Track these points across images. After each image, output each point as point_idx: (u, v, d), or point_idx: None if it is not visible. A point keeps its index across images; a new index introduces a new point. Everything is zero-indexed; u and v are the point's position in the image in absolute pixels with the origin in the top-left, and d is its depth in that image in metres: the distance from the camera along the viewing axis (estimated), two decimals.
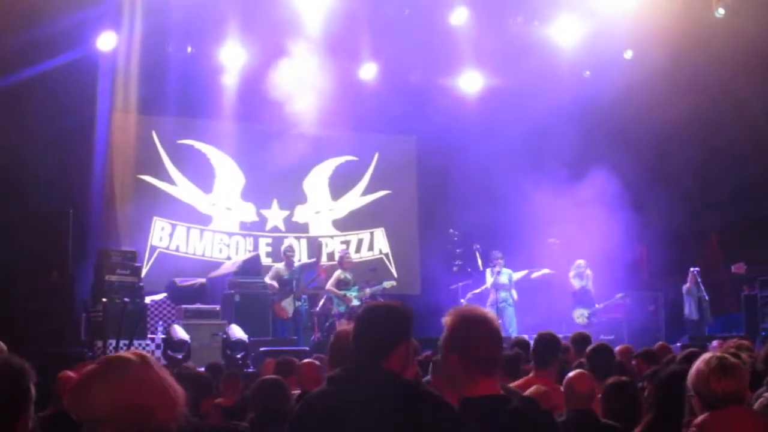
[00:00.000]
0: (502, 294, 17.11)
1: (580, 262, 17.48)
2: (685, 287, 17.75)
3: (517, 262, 17.95)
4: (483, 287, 17.34)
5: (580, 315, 17.22)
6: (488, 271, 17.20)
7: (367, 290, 16.46)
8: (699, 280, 17.56)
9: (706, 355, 4.37)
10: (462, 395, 3.67)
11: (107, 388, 2.85)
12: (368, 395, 3.64)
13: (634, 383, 6.43)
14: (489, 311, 3.88)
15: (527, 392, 3.78)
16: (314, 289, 16.52)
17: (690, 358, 8.22)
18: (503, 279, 17.11)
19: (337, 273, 16.48)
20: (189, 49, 17.43)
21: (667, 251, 18.70)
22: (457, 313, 3.77)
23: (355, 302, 15.93)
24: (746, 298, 17.44)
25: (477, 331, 3.69)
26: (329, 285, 16.32)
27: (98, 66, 16.97)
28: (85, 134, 16.98)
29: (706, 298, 17.48)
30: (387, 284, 16.84)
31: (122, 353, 3.04)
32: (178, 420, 2.93)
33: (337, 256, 17.42)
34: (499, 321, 15.91)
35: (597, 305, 17.34)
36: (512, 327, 16.93)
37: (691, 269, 17.74)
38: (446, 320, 3.76)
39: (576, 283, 17.42)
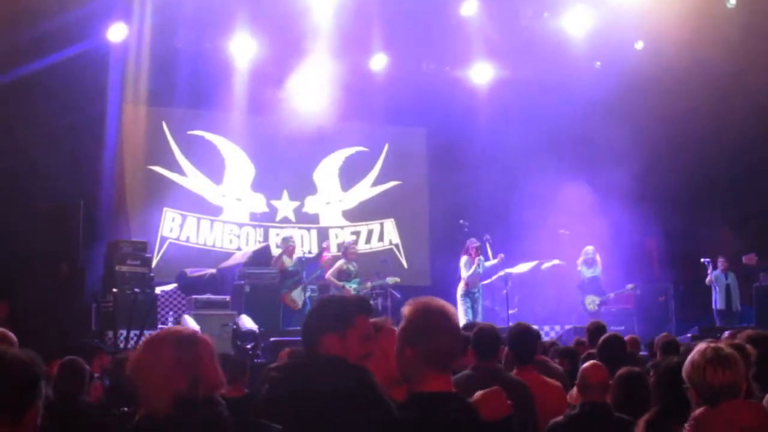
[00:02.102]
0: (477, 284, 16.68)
1: (589, 248, 17.38)
2: (711, 275, 17.62)
3: (527, 253, 17.94)
4: (495, 276, 17.29)
5: (591, 302, 17.14)
6: (463, 260, 16.74)
7: (369, 284, 16.41)
8: (725, 266, 17.55)
9: (701, 346, 4.28)
10: (412, 391, 3.59)
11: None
12: (303, 380, 3.71)
13: (644, 374, 6.37)
14: (448, 304, 3.69)
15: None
16: (317, 280, 16.44)
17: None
18: (480, 268, 16.61)
19: (340, 263, 16.36)
20: (199, 41, 17.46)
21: (678, 242, 18.68)
22: (417, 303, 3.64)
23: None
24: (757, 289, 17.38)
25: (436, 323, 3.57)
26: (329, 274, 16.23)
27: (108, 58, 16.95)
28: (96, 126, 16.96)
29: (733, 285, 17.50)
30: (390, 280, 16.71)
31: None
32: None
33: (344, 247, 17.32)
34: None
35: (608, 294, 17.28)
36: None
37: (703, 260, 17.73)
38: (404, 310, 3.66)
39: (585, 271, 17.33)
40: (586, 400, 5.91)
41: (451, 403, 3.51)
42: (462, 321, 15.41)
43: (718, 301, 17.65)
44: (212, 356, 3.37)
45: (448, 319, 3.59)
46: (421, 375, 3.53)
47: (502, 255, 16.72)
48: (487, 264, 16.59)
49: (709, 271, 17.66)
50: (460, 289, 16.40)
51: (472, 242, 16.54)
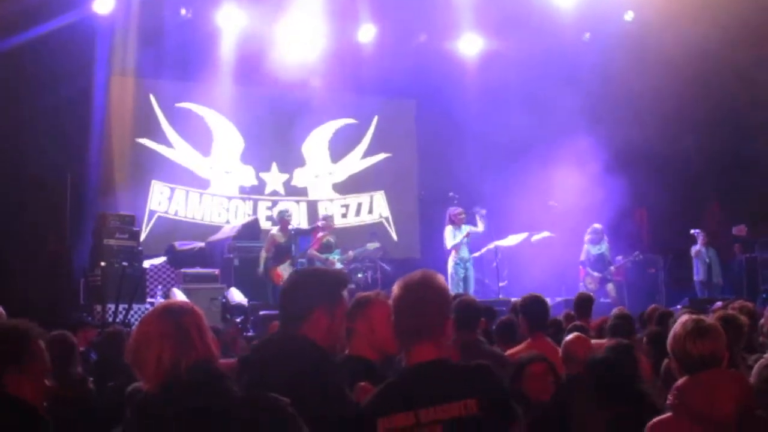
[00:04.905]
0: (465, 252, 16.63)
1: (597, 226, 17.33)
2: (693, 249, 17.78)
3: (517, 225, 18.02)
4: (477, 254, 17.35)
5: (591, 281, 17.14)
6: (447, 229, 16.62)
7: (350, 253, 16.47)
8: (705, 241, 17.66)
9: (682, 318, 4.33)
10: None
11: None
12: (276, 362, 3.72)
13: (633, 346, 6.43)
14: (434, 275, 3.69)
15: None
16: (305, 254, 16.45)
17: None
18: (460, 237, 16.54)
19: (319, 236, 16.43)
20: (185, 12, 17.40)
21: (668, 213, 18.74)
22: (401, 279, 3.69)
23: (339, 266, 15.83)
24: (747, 260, 17.50)
25: (402, 299, 3.61)
26: (311, 249, 16.24)
27: (96, 29, 16.83)
28: (83, 98, 16.82)
29: (713, 259, 17.62)
30: (370, 246, 16.88)
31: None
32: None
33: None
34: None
35: (610, 268, 17.26)
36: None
37: (693, 231, 17.82)
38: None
39: (591, 249, 17.28)
40: (570, 372, 5.93)
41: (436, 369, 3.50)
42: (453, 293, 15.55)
43: (699, 273, 17.78)
44: (200, 326, 3.37)
45: (414, 292, 3.59)
46: (404, 350, 3.62)
47: (483, 211, 16.75)
48: (474, 230, 16.62)
49: (698, 242, 17.78)
50: (451, 260, 16.45)
51: (453, 210, 16.55)
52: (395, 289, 3.64)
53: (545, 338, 7.07)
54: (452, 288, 15.48)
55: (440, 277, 3.70)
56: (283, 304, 4.00)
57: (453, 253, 16.45)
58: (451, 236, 16.49)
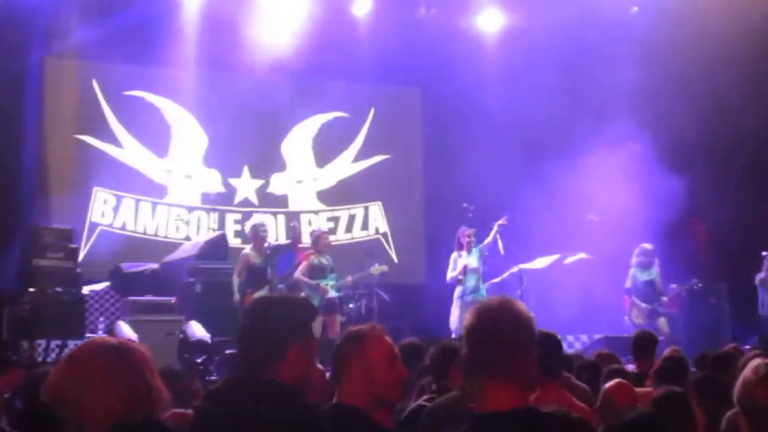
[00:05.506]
0: (472, 281, 16.43)
1: (647, 246, 17.10)
2: (758, 277, 17.58)
3: (547, 244, 17.96)
4: (498, 279, 17.24)
5: (637, 315, 16.94)
6: (453, 256, 16.62)
7: (349, 278, 16.42)
8: None
9: (754, 362, 4.16)
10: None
11: None
12: (247, 416, 3.73)
13: (686, 394, 6.35)
14: (516, 301, 3.72)
15: None
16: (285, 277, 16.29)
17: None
18: (473, 260, 16.47)
19: (310, 257, 16.25)
20: None
21: (735, 231, 18.55)
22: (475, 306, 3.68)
23: (333, 293, 15.83)
24: None
25: (475, 325, 3.60)
26: (299, 272, 16.10)
27: (29, 3, 16.82)
28: (11, 86, 16.90)
29: None
30: (375, 270, 16.74)
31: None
32: None
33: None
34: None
35: (661, 298, 17.03)
36: None
37: (764, 253, 17.61)
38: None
39: (639, 274, 17.07)
40: (609, 423, 5.82)
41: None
42: (456, 326, 15.56)
43: (766, 305, 17.58)
44: (151, 368, 3.40)
45: (491, 317, 3.59)
46: (474, 389, 3.57)
47: (503, 220, 16.54)
48: (485, 244, 16.46)
49: (763, 268, 17.58)
50: (457, 290, 16.29)
51: (464, 231, 16.44)
52: (468, 316, 3.65)
53: (560, 389, 6.80)
54: (457, 329, 15.36)
55: (523, 305, 3.71)
56: (248, 342, 4.02)
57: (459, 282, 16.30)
58: (451, 265, 16.44)
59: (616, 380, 6.39)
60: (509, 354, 3.53)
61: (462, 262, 16.24)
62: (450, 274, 16.39)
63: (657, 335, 15.83)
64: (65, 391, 3.31)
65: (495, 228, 16.46)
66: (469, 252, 16.31)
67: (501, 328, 3.54)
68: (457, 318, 15.77)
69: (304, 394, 3.90)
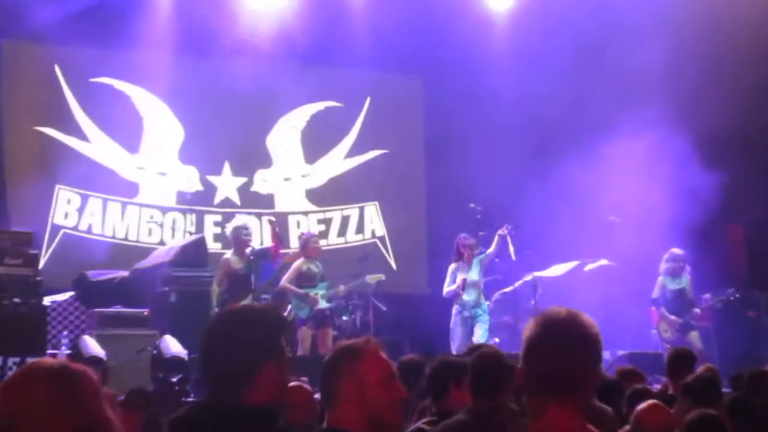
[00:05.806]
0: (472, 295, 16.52)
1: (678, 252, 17.11)
2: None
3: (564, 249, 17.96)
4: (510, 288, 17.29)
5: (666, 329, 16.96)
6: (451, 268, 16.69)
7: (342, 287, 16.34)
8: None
9: None
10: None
11: None
12: None
13: (719, 418, 6.42)
14: (582, 313, 3.68)
15: None
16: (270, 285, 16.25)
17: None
18: (473, 273, 16.52)
19: (298, 263, 16.17)
20: None
21: None
22: (536, 315, 3.71)
23: (323, 303, 15.81)
24: None
25: (538, 337, 3.59)
26: (285, 280, 16.04)
27: None
28: None
29: None
30: (370, 278, 16.73)
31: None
32: None
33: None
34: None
35: (694, 310, 17.05)
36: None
37: None
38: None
39: (669, 282, 17.10)
40: None
41: None
42: (456, 344, 15.66)
43: None
44: (98, 395, 3.28)
45: (555, 330, 3.59)
46: (536, 408, 3.61)
47: (507, 227, 16.57)
48: (486, 255, 16.51)
49: None
50: (456, 306, 16.35)
51: (463, 240, 16.50)
52: (529, 326, 3.64)
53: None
54: (457, 346, 15.47)
55: (589, 317, 3.68)
56: (216, 362, 3.96)
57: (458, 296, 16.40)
58: (449, 278, 16.52)
59: (650, 401, 6.42)
60: (575, 373, 3.55)
61: (461, 275, 16.32)
62: (447, 288, 16.46)
63: None
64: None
65: (496, 239, 16.49)
66: (469, 264, 16.41)
67: (569, 344, 3.55)
68: (458, 336, 15.85)
69: (281, 417, 3.90)
